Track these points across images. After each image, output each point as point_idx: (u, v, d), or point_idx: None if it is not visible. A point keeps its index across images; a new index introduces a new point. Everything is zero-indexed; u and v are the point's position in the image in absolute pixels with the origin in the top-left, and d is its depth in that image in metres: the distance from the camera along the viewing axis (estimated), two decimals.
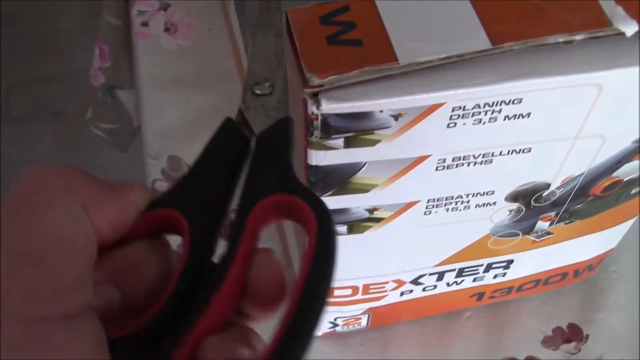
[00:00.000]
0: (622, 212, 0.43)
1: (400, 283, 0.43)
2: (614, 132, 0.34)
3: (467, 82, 0.29)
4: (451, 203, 0.37)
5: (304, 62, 0.28)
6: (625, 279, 0.52)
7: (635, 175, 0.38)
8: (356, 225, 0.37)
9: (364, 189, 0.34)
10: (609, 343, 0.50)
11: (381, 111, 0.29)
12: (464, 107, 0.30)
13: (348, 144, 0.31)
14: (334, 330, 0.48)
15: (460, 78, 0.29)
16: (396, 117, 0.30)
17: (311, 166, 0.32)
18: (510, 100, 0.31)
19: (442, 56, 0.29)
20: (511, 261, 0.44)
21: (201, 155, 0.26)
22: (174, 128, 0.59)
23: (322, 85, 0.28)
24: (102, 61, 0.82)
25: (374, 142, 0.31)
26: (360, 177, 0.33)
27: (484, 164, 0.34)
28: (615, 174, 0.38)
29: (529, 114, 0.31)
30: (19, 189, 0.21)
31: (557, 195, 0.38)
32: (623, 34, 0.30)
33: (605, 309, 0.51)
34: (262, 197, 0.24)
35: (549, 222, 0.41)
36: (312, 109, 0.29)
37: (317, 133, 0.30)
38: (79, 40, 1.58)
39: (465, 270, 0.44)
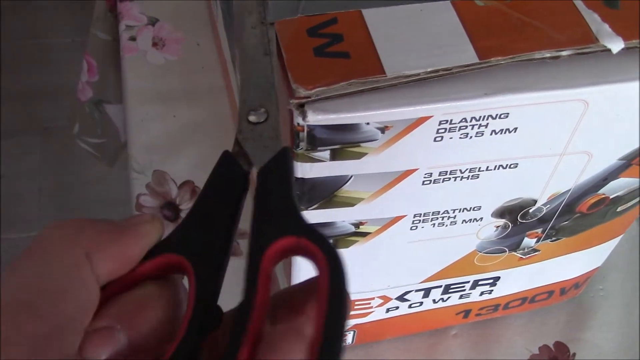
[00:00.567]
0: (608, 230, 0.43)
1: (386, 299, 0.43)
2: (600, 148, 0.34)
3: (454, 95, 0.29)
4: (437, 218, 0.37)
5: (291, 74, 0.28)
6: (612, 298, 0.52)
7: (621, 192, 0.38)
8: (342, 240, 0.37)
9: (350, 202, 0.34)
10: None
11: (368, 123, 0.29)
12: (451, 120, 0.30)
13: (334, 156, 0.31)
14: None
15: (447, 92, 0.29)
16: (383, 129, 0.30)
17: (297, 178, 0.32)
18: (497, 115, 0.30)
19: (429, 69, 0.29)
20: (498, 278, 0.44)
21: (202, 194, 0.26)
22: (160, 142, 0.59)
23: (309, 97, 0.28)
24: (90, 75, 0.82)
25: (360, 155, 0.31)
26: (346, 190, 0.33)
27: (471, 178, 0.34)
28: (601, 191, 0.38)
29: (515, 129, 0.31)
30: (30, 245, 0.22)
31: (544, 211, 0.38)
32: (609, 50, 0.30)
33: (592, 327, 0.51)
34: (272, 240, 0.24)
35: (535, 239, 0.41)
36: (298, 120, 0.29)
37: (303, 145, 0.30)
38: (69, 56, 1.58)
39: (452, 286, 0.43)
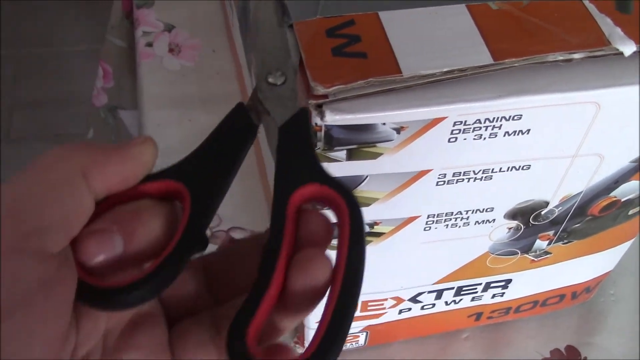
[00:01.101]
0: (620, 233, 0.43)
1: (399, 300, 0.44)
2: (612, 151, 0.35)
3: (468, 96, 0.30)
4: (451, 219, 0.37)
5: (309, 72, 0.29)
6: (623, 302, 0.53)
7: (633, 195, 0.39)
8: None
9: (365, 202, 0.34)
10: None
11: (384, 124, 0.30)
12: (465, 121, 0.31)
13: (350, 156, 0.31)
14: None
15: (462, 93, 0.30)
16: (398, 130, 0.30)
17: None
18: (510, 117, 0.31)
19: (444, 70, 0.29)
20: (509, 280, 0.44)
21: (211, 136, 0.28)
22: (176, 147, 0.59)
23: (326, 97, 0.29)
24: (105, 81, 0.83)
25: (376, 155, 0.32)
26: (362, 190, 0.34)
27: (484, 180, 0.35)
28: (613, 193, 0.38)
29: (528, 131, 0.32)
30: (30, 164, 0.24)
31: (556, 213, 0.38)
32: (621, 53, 0.30)
33: (603, 331, 0.51)
34: (297, 187, 0.26)
35: (547, 242, 0.41)
36: (316, 120, 0.29)
37: (320, 145, 0.31)
38: (82, 64, 1.60)
39: (464, 288, 0.44)
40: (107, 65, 0.81)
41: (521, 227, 0.39)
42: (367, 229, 0.36)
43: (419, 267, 0.41)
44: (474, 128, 0.31)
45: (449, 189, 0.35)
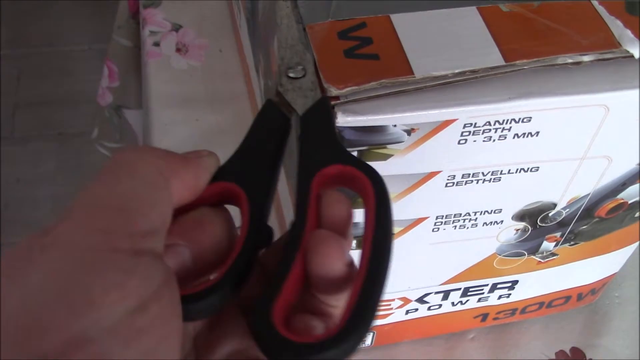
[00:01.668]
0: (626, 236, 0.43)
1: (406, 301, 0.44)
2: (620, 153, 0.35)
3: (479, 99, 0.30)
4: (459, 220, 0.37)
5: (322, 74, 0.29)
6: (628, 305, 0.53)
7: (639, 198, 0.39)
8: None
9: None
10: None
11: (395, 125, 0.30)
12: (475, 124, 0.31)
13: (361, 157, 0.32)
14: None
15: (472, 95, 0.30)
16: (409, 132, 0.31)
17: None
18: (519, 119, 0.31)
19: (456, 71, 0.29)
20: (516, 282, 0.44)
21: (248, 134, 0.28)
22: (182, 146, 0.60)
23: (338, 99, 0.29)
24: (110, 81, 0.84)
25: (386, 157, 0.32)
26: None
27: (493, 181, 0.35)
28: (620, 196, 0.38)
29: (537, 133, 0.32)
30: (107, 164, 0.24)
31: (563, 215, 0.39)
32: (631, 56, 0.31)
33: (608, 333, 0.51)
34: (320, 168, 0.26)
35: (554, 243, 0.41)
36: None
37: None
38: (85, 63, 1.60)
39: (471, 289, 0.44)
40: (112, 64, 0.82)
41: (529, 229, 0.39)
42: None
43: (426, 268, 0.41)
44: (484, 130, 0.31)
45: (457, 190, 0.35)
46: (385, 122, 0.30)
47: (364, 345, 0.49)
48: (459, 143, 0.32)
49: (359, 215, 0.35)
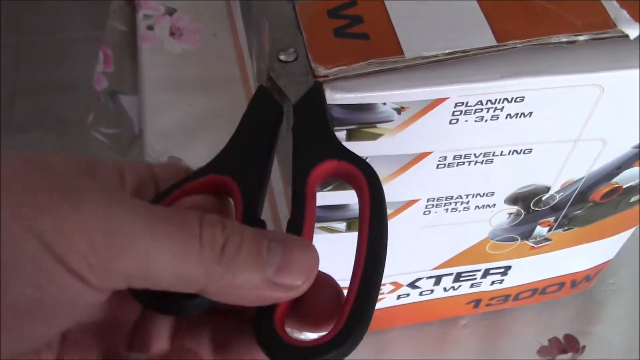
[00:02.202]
0: (621, 222, 0.43)
1: (398, 286, 0.43)
2: (615, 136, 0.34)
3: (470, 77, 0.30)
4: (451, 203, 0.37)
5: (311, 53, 0.29)
6: (623, 292, 0.52)
7: (634, 182, 0.38)
8: (355, 223, 0.37)
9: None
10: (605, 355, 0.50)
11: (384, 104, 0.30)
12: (467, 103, 0.30)
13: (350, 136, 0.31)
14: None
15: (464, 73, 0.30)
16: (399, 110, 0.30)
17: None
18: (512, 98, 0.31)
19: (447, 51, 0.29)
20: (509, 267, 0.44)
21: (241, 123, 0.28)
22: (175, 130, 0.59)
23: (327, 76, 0.29)
24: (105, 66, 0.83)
25: (375, 136, 0.31)
26: None
27: (485, 163, 0.34)
28: (614, 180, 0.38)
29: (530, 113, 0.32)
30: None
31: (557, 199, 0.38)
32: (626, 36, 0.30)
33: (602, 321, 0.51)
34: (315, 164, 0.26)
35: (547, 228, 0.41)
36: None
37: None
38: (82, 50, 1.59)
39: (463, 274, 0.44)
40: (108, 49, 0.81)
41: (522, 213, 0.39)
42: None
43: (417, 252, 0.41)
44: (476, 110, 0.31)
45: (449, 172, 0.34)
46: (374, 100, 0.29)
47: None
48: (450, 123, 0.31)
49: (348, 197, 0.35)
